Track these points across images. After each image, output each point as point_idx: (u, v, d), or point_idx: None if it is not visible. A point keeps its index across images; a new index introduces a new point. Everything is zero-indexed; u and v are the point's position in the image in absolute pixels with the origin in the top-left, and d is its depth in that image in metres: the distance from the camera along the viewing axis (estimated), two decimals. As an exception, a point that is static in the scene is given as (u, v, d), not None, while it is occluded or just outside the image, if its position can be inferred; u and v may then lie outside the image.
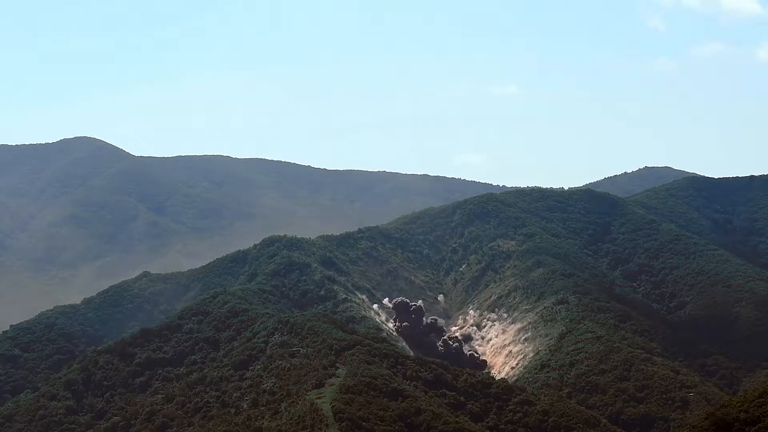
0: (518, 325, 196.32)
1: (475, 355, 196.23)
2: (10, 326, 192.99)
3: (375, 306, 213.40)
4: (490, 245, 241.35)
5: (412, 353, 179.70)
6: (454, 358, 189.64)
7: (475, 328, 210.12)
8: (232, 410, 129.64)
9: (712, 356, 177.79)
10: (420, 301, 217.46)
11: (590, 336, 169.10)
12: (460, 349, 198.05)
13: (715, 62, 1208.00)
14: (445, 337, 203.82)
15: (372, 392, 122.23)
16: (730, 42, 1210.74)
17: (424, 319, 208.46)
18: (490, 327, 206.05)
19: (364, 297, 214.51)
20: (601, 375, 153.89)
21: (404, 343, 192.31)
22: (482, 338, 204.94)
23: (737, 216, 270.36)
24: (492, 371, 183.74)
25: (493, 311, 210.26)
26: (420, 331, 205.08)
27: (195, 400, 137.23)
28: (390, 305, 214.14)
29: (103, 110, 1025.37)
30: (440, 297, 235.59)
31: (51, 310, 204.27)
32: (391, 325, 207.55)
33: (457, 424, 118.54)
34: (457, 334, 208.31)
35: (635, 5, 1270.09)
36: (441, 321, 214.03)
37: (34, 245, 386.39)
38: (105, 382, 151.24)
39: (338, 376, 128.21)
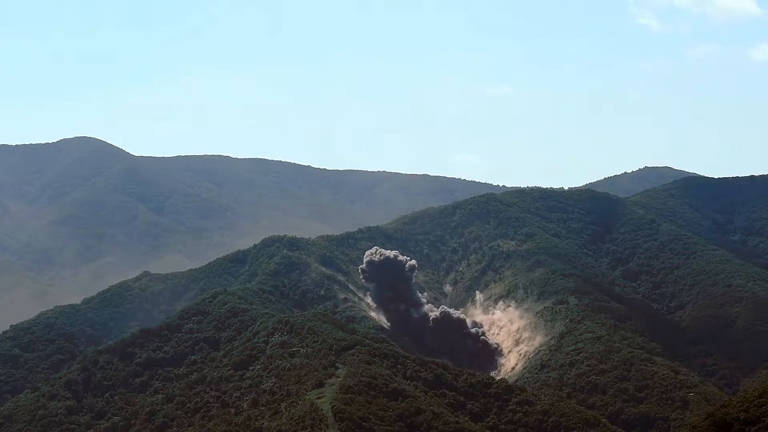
0: (518, 325, 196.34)
1: (488, 342, 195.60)
2: (10, 326, 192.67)
3: (369, 299, 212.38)
4: (490, 245, 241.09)
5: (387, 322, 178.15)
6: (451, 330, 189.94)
7: (482, 315, 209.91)
8: (232, 410, 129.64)
9: (712, 356, 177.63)
10: (412, 260, 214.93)
11: (590, 336, 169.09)
12: (466, 329, 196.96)
13: (712, 62, 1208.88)
14: (446, 310, 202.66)
15: (372, 392, 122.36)
16: (725, 42, 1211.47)
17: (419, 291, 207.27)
18: (497, 316, 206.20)
19: (363, 297, 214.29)
20: (601, 375, 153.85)
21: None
22: (492, 324, 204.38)
23: (737, 216, 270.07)
24: (503, 357, 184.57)
25: (497, 302, 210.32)
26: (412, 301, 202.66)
27: (195, 400, 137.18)
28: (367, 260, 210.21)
29: (103, 110, 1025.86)
30: (447, 288, 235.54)
31: (51, 310, 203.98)
32: (369, 299, 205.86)
33: (457, 424, 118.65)
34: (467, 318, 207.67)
35: (632, 6, 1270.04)
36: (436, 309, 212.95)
37: (34, 245, 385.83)
38: (105, 382, 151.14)
39: (338, 376, 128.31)
